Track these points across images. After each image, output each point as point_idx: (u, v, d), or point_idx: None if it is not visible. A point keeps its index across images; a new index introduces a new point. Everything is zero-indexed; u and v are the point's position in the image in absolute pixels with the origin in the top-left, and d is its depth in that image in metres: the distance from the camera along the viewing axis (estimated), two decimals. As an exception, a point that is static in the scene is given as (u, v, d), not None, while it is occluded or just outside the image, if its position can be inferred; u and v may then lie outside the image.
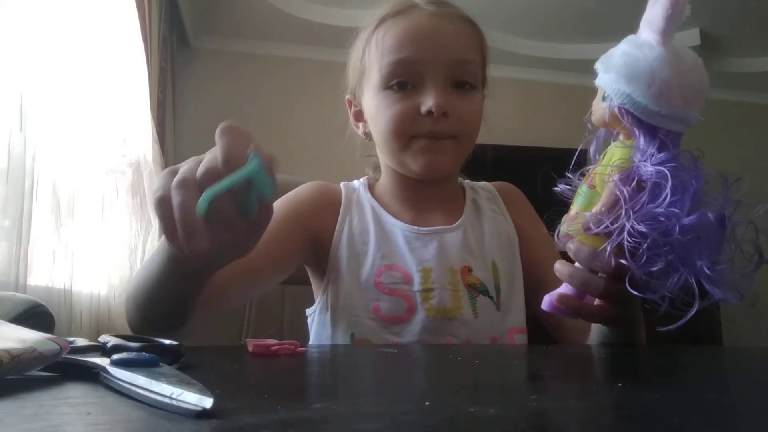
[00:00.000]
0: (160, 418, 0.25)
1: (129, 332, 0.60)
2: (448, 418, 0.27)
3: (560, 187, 0.58)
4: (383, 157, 0.83)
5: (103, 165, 1.84)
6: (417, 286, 0.76)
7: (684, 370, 0.48)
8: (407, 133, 0.76)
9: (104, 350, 0.38)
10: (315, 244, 0.79)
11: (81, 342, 0.39)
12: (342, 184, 0.87)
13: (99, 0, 1.82)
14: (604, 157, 0.56)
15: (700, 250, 0.48)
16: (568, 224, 0.55)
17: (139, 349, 0.37)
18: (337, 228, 0.80)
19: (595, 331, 0.67)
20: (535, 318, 0.83)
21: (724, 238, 0.49)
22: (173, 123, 2.97)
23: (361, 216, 0.82)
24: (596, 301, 0.57)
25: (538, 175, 0.63)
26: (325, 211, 0.81)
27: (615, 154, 0.55)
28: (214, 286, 0.57)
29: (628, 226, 0.49)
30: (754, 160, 4.06)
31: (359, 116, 0.85)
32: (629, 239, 0.49)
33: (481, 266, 0.79)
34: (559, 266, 0.57)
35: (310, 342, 0.81)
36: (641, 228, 0.49)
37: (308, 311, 0.82)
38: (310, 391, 0.36)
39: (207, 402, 0.25)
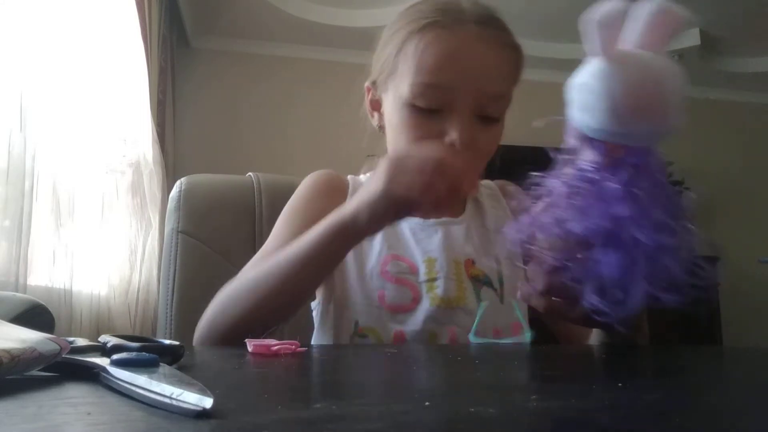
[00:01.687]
0: (160, 418, 0.25)
1: (128, 332, 0.61)
2: (448, 418, 0.27)
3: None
4: (392, 145, 0.81)
5: (103, 165, 1.85)
6: (422, 276, 0.76)
7: (684, 370, 0.48)
8: None
9: (104, 350, 0.38)
10: None
11: (81, 342, 0.39)
12: (349, 177, 0.87)
13: (99, 0, 1.82)
14: None
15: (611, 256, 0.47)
16: None
17: (139, 349, 0.37)
18: None
19: (596, 330, 0.67)
20: (536, 318, 0.83)
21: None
22: (173, 123, 2.97)
23: None
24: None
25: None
26: (333, 197, 0.80)
27: None
28: None
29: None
30: (754, 160, 4.06)
31: (376, 105, 0.83)
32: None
33: (484, 260, 0.80)
34: (524, 289, 0.57)
35: (315, 333, 0.82)
36: (530, 243, 0.51)
37: (313, 304, 0.83)
38: (310, 391, 0.36)
39: (207, 402, 0.25)
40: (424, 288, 0.75)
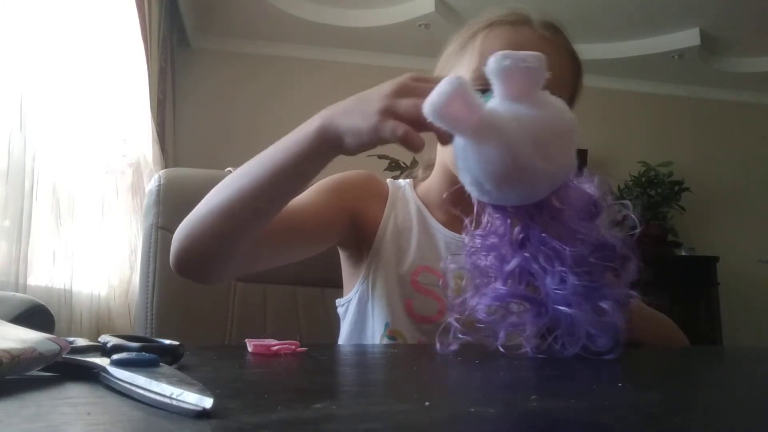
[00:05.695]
0: (160, 418, 0.25)
1: (128, 332, 0.61)
2: (448, 418, 0.27)
3: None
4: (445, 155, 0.82)
5: (103, 165, 1.84)
6: (451, 291, 0.77)
7: (684, 370, 0.48)
8: None
9: (104, 350, 0.38)
10: (356, 226, 0.80)
11: (81, 342, 0.39)
12: (388, 180, 0.88)
13: (99, 0, 1.83)
14: None
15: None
16: None
17: (139, 349, 0.37)
18: (383, 219, 0.81)
19: None
20: None
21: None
22: (173, 123, 2.97)
23: (405, 213, 0.83)
24: None
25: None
26: (371, 198, 0.82)
27: None
28: (258, 239, 0.64)
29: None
30: (754, 160, 4.06)
31: None
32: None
33: None
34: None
35: (344, 330, 0.82)
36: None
37: (340, 301, 0.84)
38: (310, 391, 0.36)
39: (207, 402, 0.25)
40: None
